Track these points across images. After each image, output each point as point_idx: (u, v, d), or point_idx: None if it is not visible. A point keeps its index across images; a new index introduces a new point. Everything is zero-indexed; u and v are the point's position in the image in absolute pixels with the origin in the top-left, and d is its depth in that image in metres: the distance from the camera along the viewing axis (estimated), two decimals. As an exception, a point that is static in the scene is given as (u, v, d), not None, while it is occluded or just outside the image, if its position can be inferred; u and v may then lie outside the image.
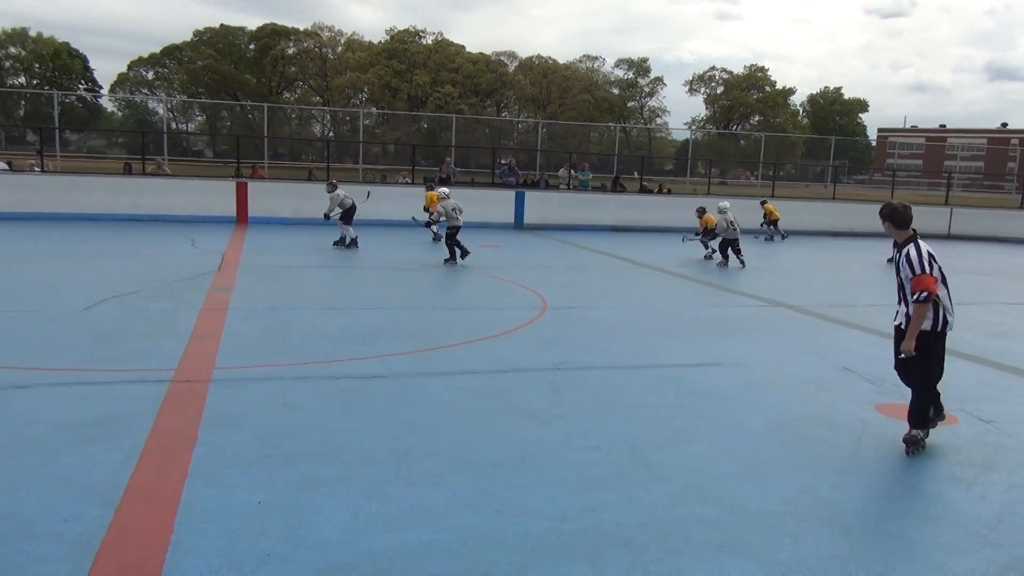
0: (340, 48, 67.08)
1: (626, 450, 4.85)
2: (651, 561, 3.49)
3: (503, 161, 25.61)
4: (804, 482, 4.45)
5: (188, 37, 68.94)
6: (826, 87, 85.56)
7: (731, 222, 14.33)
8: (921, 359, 4.87)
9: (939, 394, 5.09)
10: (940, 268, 4.88)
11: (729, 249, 14.50)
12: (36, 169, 20.78)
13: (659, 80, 74.69)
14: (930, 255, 4.81)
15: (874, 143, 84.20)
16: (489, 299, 10.35)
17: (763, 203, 20.97)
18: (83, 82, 69.06)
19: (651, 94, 75.07)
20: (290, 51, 66.64)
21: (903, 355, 4.87)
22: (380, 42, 68.06)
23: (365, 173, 28.26)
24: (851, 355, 7.66)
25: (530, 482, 4.30)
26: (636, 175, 30.67)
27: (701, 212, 15.92)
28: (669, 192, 26.43)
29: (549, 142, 46.86)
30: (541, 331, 8.27)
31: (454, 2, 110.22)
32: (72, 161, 30.81)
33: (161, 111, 61.59)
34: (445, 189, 14.32)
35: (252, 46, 70.07)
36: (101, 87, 70.96)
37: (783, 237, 20.95)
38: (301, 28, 68.14)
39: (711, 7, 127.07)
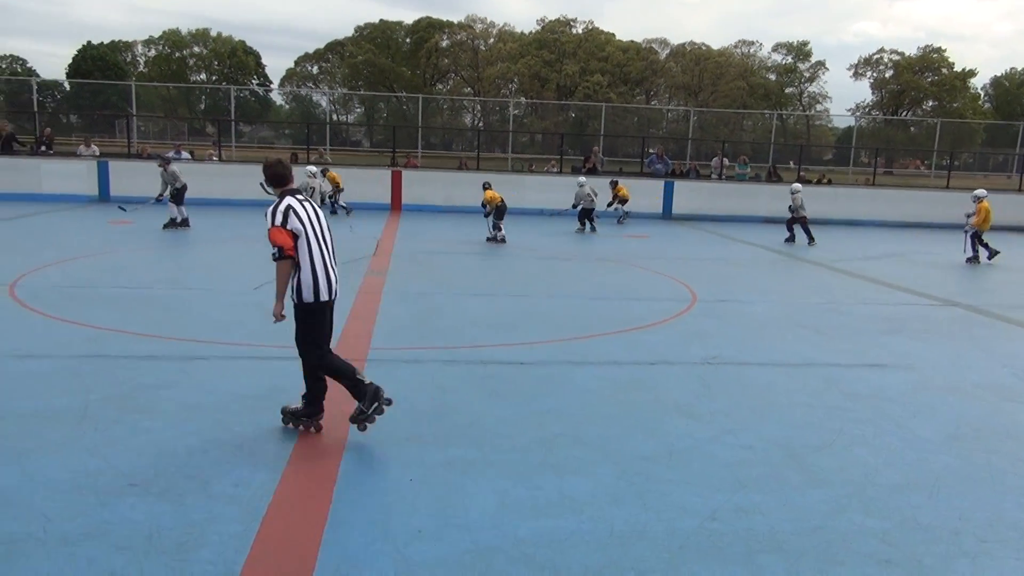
0: (492, 40, 68.22)
1: (781, 451, 4.62)
2: (808, 570, 3.29)
3: (651, 150, 25.15)
4: (984, 498, 4.07)
5: (350, 33, 72.41)
6: (1013, 68, 77.93)
7: (588, 194, 16.68)
8: (300, 330, 4.43)
9: (351, 373, 4.48)
10: (318, 231, 4.42)
11: (586, 217, 16.84)
12: (214, 159, 22.52)
13: (820, 64, 70.64)
14: (291, 210, 4.34)
15: (1070, 128, 75.91)
16: (636, 290, 10.19)
17: (614, 184, 19.02)
18: (256, 77, 74.13)
19: (811, 79, 71.13)
20: (444, 44, 68.45)
21: (275, 320, 4.43)
22: (531, 32, 68.59)
23: (513, 162, 28.61)
24: (1039, 362, 6.93)
25: (679, 478, 4.18)
26: (793, 164, 29.25)
27: (487, 186, 14.78)
28: (830, 182, 25.03)
29: (700, 131, 45.62)
30: (690, 324, 8.04)
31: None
32: (245, 151, 33.15)
33: (324, 103, 65.09)
34: (311, 168, 16.19)
35: (408, 40, 72.60)
36: (271, 82, 75.94)
37: (626, 215, 19.15)
38: (455, 21, 69.92)
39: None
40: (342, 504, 3.71)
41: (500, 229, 14.21)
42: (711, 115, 50.86)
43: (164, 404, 4.97)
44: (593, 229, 16.79)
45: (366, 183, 20.50)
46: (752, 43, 70.99)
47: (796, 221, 16.02)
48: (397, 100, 64.33)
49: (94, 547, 3.22)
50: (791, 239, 16.10)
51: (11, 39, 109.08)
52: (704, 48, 67.37)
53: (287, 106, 72.43)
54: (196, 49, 71.57)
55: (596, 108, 42.12)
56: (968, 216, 14.26)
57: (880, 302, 9.87)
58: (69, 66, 66.34)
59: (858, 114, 64.37)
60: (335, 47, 72.71)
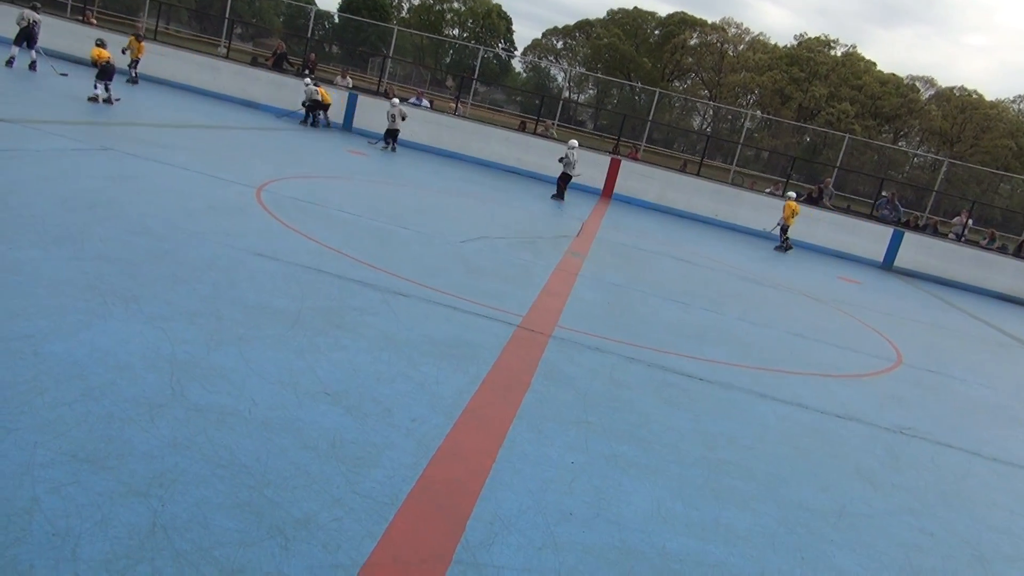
0: (742, 46, 66.09)
1: (966, 549, 4.22)
2: None
3: (884, 193, 23.39)
4: None
5: (602, 15, 72.96)
6: None
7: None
8: None
9: None
10: None
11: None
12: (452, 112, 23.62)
13: (1114, 137, 62.16)
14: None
15: None
16: (836, 334, 9.59)
17: None
18: (503, 42, 76.73)
19: (1097, 152, 62.83)
20: (692, 42, 67.20)
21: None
22: (785, 46, 65.68)
23: (735, 176, 27.70)
24: None
25: (844, 541, 3.94)
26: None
27: (99, 43, 14.77)
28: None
29: (946, 184, 41.76)
30: (889, 386, 7.48)
31: (877, 15, 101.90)
32: (476, 109, 34.50)
33: (560, 79, 66.21)
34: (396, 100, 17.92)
35: (657, 32, 71.96)
36: (516, 49, 78.31)
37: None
38: (709, 21, 68.34)
39: None
40: (504, 465, 3.84)
41: (97, 88, 14.08)
42: (964, 169, 46.39)
43: (365, 328, 5.35)
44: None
45: (583, 164, 20.67)
46: (1034, 101, 63.80)
47: (563, 177, 16.67)
48: (631, 89, 64.17)
49: (287, 439, 3.57)
50: (558, 196, 16.48)
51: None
52: (975, 96, 61.43)
53: (524, 74, 74.49)
54: (456, 4, 75.14)
55: (836, 137, 39.73)
56: None
57: (1121, 420, 8.64)
58: (343, 1, 72.02)
59: None
60: (584, 26, 73.65)
